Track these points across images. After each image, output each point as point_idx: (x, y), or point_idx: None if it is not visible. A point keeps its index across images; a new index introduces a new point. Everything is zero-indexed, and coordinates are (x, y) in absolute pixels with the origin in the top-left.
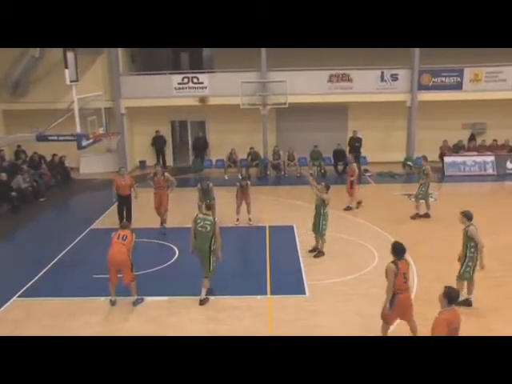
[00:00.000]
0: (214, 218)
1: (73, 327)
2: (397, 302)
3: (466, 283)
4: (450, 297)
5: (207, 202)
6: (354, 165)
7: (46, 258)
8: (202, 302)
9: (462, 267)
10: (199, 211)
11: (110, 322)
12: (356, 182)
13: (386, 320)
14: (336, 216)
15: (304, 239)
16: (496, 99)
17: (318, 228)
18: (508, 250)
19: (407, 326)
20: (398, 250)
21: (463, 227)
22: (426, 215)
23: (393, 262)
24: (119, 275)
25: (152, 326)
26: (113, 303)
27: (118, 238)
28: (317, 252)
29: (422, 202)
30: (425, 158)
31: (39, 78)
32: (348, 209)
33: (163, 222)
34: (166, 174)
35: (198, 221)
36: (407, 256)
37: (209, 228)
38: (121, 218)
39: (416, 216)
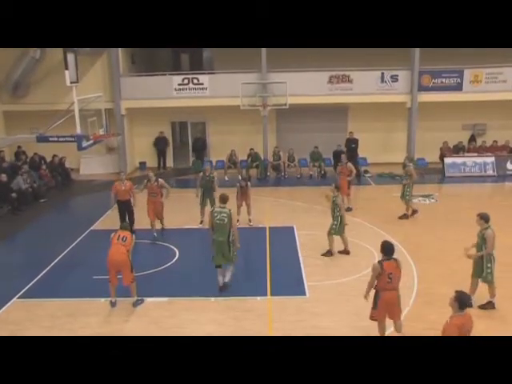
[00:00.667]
0: (230, 210)
1: (73, 328)
2: (380, 300)
3: (488, 284)
4: (462, 301)
5: (222, 194)
6: (350, 164)
7: (46, 259)
8: (224, 287)
9: (483, 271)
10: (200, 214)
11: (110, 323)
12: (351, 182)
13: (374, 319)
14: None
15: (304, 240)
16: (496, 100)
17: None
18: (509, 250)
19: (409, 327)
20: (387, 249)
21: (480, 229)
22: (414, 211)
23: (379, 261)
24: (119, 276)
25: (152, 327)
26: (113, 304)
27: (117, 239)
28: (326, 252)
29: (411, 202)
30: (409, 158)
31: (39, 79)
32: (348, 210)
33: (162, 225)
34: (161, 180)
35: (215, 214)
36: (408, 258)
37: (226, 220)
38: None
39: (404, 216)
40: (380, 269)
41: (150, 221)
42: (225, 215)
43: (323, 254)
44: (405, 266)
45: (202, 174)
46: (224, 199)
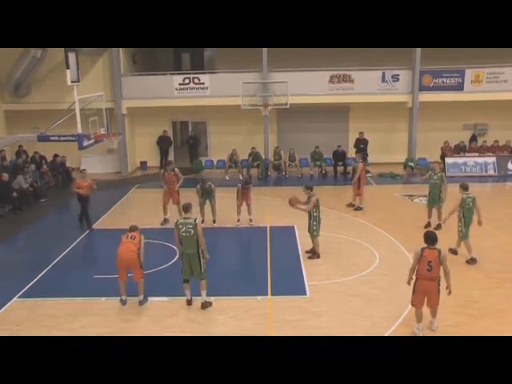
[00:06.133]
0: (195, 220)
1: (73, 328)
2: (417, 288)
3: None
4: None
5: (185, 204)
6: (360, 164)
7: (47, 259)
8: (204, 306)
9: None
10: (201, 214)
11: (110, 323)
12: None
13: (413, 305)
14: (337, 216)
15: (305, 240)
16: (497, 100)
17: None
18: (509, 251)
19: (409, 327)
20: (429, 238)
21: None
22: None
23: (422, 248)
24: (129, 274)
25: (153, 327)
26: (123, 302)
27: (126, 238)
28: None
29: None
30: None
31: (41, 78)
32: (358, 209)
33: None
34: (176, 169)
35: (180, 226)
36: (409, 257)
37: (192, 232)
38: None
39: (438, 227)
40: (420, 254)
41: (163, 205)
42: (190, 226)
43: (309, 256)
44: (405, 266)
45: (199, 186)
46: (187, 208)
